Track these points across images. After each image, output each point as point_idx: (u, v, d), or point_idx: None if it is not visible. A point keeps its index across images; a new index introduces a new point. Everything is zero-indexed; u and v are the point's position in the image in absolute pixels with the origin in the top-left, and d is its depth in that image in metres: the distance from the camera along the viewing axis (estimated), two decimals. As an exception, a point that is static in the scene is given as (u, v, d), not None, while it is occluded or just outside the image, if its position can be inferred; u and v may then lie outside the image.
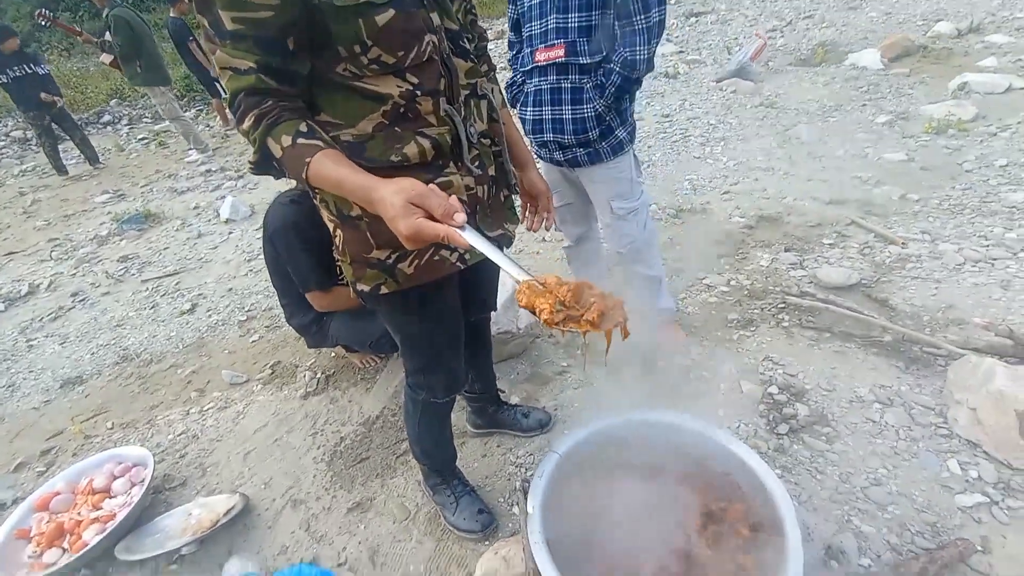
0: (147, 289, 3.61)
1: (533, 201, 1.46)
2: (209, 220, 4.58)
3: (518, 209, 1.44)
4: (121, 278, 3.82)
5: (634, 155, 2.03)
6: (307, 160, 0.91)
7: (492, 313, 2.23)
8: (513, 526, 1.62)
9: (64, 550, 1.67)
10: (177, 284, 3.62)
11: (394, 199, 0.84)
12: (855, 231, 3.01)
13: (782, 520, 1.05)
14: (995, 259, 2.51)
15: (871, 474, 1.62)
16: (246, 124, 0.94)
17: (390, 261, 1.13)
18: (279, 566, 1.61)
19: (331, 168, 0.91)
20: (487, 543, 1.56)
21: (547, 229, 1.51)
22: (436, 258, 1.16)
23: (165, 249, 4.20)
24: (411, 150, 1.04)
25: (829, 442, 1.76)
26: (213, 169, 5.90)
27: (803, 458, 1.71)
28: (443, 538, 1.64)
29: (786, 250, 2.93)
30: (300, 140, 0.92)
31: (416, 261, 1.14)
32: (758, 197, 3.62)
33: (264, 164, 0.99)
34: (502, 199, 1.30)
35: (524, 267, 0.91)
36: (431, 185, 0.87)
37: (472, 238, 0.84)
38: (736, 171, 4.08)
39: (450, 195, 0.87)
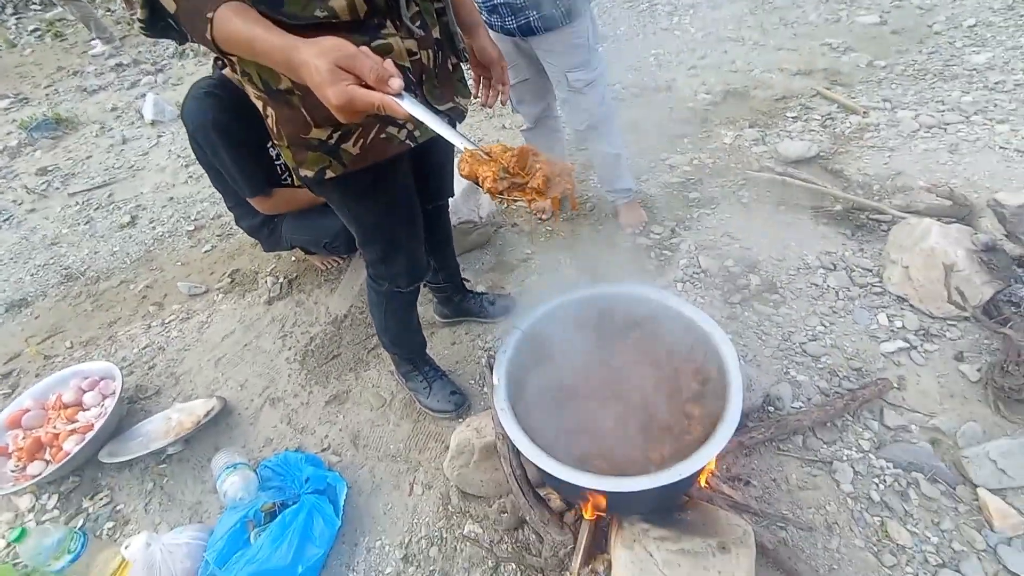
0: (77, 203, 3.33)
1: (485, 71, 1.31)
2: (132, 123, 4.12)
3: (470, 82, 1.32)
4: (45, 193, 3.49)
5: (592, 19, 1.86)
6: (208, 15, 0.77)
7: (453, 203, 2.17)
8: (485, 404, 1.73)
9: (47, 462, 1.70)
10: (110, 196, 3.34)
11: (318, 62, 0.72)
12: (819, 103, 2.96)
13: (727, 376, 1.14)
14: (948, 124, 2.54)
15: (810, 331, 1.76)
16: None
17: (332, 141, 1.03)
18: (266, 456, 1.70)
19: (240, 27, 0.77)
20: (461, 421, 1.67)
21: (503, 104, 1.40)
22: (383, 136, 1.07)
23: (88, 158, 3.80)
24: (338, 3, 0.89)
25: (776, 307, 1.88)
26: (125, 63, 5.17)
27: (751, 323, 1.84)
28: (419, 419, 1.74)
29: (750, 126, 2.88)
30: None
31: (361, 140, 1.05)
32: (726, 71, 3.46)
33: (156, 22, 0.84)
34: (450, 67, 1.17)
35: (470, 138, 0.85)
36: (362, 47, 0.75)
37: (412, 107, 0.75)
38: (704, 43, 3.85)
39: (387, 60, 0.76)
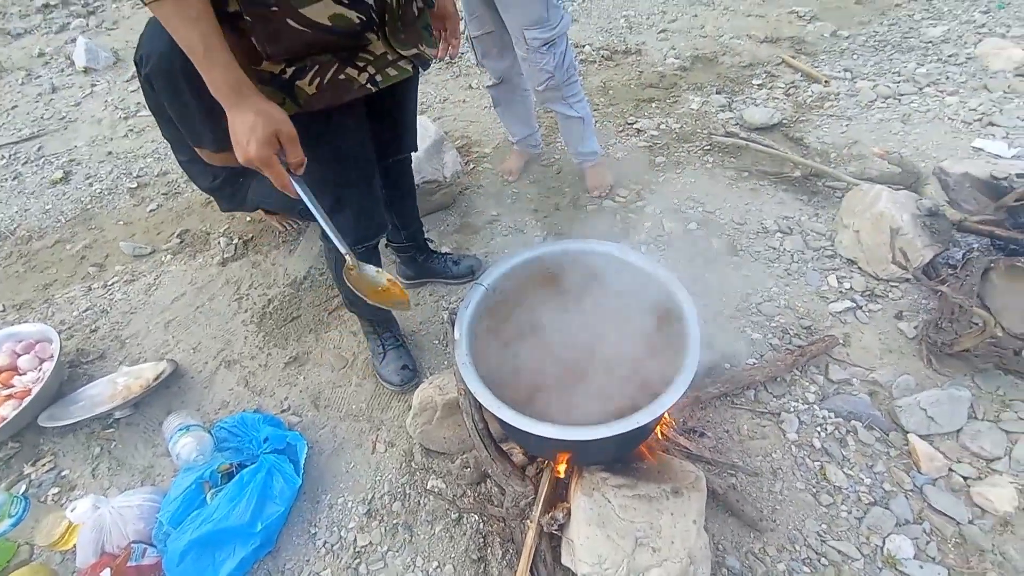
0: (3, 157, 3.04)
1: (441, 24, 1.32)
2: (62, 70, 3.76)
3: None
4: (-36, 145, 3.17)
5: (556, -28, 1.79)
6: None
7: (416, 162, 2.09)
8: (448, 363, 1.72)
9: (-19, 427, 1.60)
10: (39, 150, 3.06)
11: (263, 121, 0.86)
12: (784, 71, 2.99)
13: (686, 331, 1.16)
14: (902, 95, 2.62)
15: (766, 292, 1.83)
16: None
17: (287, 76, 0.96)
18: (222, 419, 1.65)
19: (192, 27, 0.80)
20: (409, 395, 1.60)
21: (451, 57, 1.38)
22: (342, 76, 1.01)
23: (13, 108, 3.46)
24: None
25: (736, 269, 1.93)
26: (52, 3, 4.66)
27: (713, 284, 1.88)
28: (381, 383, 1.72)
29: (717, 92, 2.89)
30: None
31: (318, 79, 0.99)
32: (695, 35, 3.44)
33: None
34: (415, 12, 1.12)
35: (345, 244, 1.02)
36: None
37: (301, 192, 0.93)
38: (676, 6, 3.81)
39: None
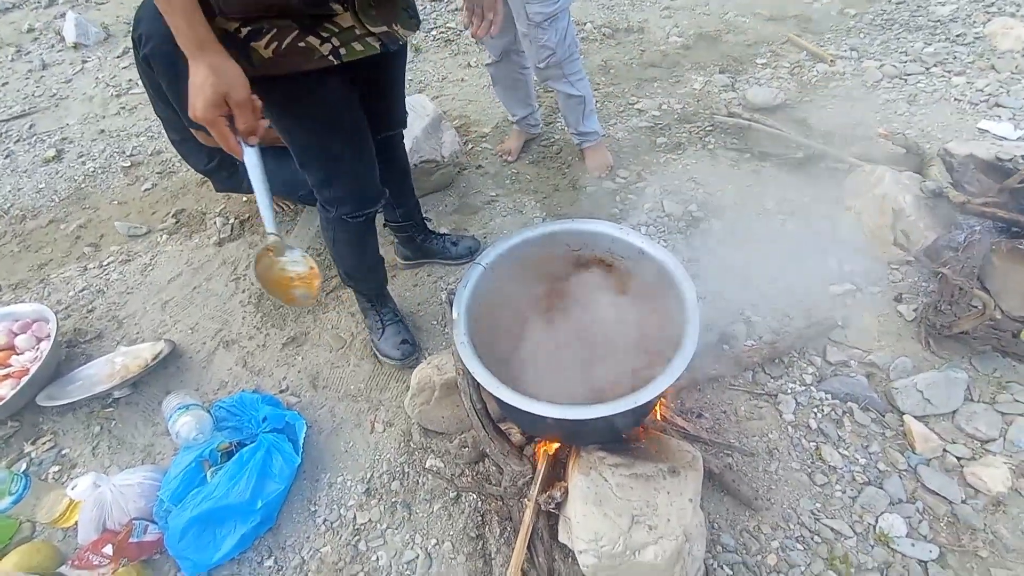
0: (-7, 135, 2.99)
1: (476, 1, 1.20)
2: (52, 46, 3.68)
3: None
4: (-45, 123, 3.12)
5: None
6: None
7: (414, 141, 2.06)
8: (446, 343, 1.72)
9: (-20, 407, 1.60)
10: (31, 127, 3.01)
11: (215, 81, 0.85)
12: (789, 49, 2.93)
13: (686, 313, 1.16)
14: (909, 75, 2.58)
15: (766, 274, 1.82)
16: None
17: (241, 36, 0.93)
18: (220, 398, 1.65)
19: None
20: (409, 370, 1.60)
21: (492, 36, 1.29)
22: (301, 44, 0.97)
23: (4, 85, 3.39)
24: None
25: (736, 250, 1.91)
26: (39, -24, 4.54)
27: (712, 267, 1.87)
28: (380, 359, 1.72)
29: (720, 71, 2.84)
30: None
31: (275, 43, 0.95)
32: (699, 13, 3.37)
33: None
34: None
35: (277, 225, 0.99)
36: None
37: (250, 160, 0.92)
38: (679, -18, 3.71)
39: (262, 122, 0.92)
